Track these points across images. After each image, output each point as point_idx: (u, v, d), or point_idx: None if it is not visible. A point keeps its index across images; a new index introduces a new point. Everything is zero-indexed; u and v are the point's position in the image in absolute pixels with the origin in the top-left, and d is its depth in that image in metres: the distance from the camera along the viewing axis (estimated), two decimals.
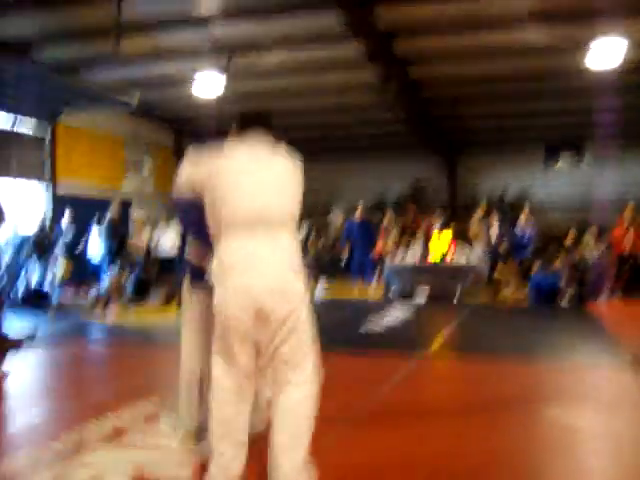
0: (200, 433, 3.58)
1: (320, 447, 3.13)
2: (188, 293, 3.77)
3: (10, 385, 5.40)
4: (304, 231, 13.87)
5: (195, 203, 3.20)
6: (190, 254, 3.73)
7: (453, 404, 4.99)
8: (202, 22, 10.85)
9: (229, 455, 3.00)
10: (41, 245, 12.16)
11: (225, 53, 12.09)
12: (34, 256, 12.21)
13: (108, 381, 5.59)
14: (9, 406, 5.02)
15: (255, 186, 3.04)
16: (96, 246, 12.38)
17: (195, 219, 3.33)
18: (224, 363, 3.06)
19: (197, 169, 3.20)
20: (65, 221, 12.44)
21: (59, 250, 12.13)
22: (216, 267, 3.04)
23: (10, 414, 4.80)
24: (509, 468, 3.42)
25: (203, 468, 3.21)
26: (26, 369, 6.41)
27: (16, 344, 6.73)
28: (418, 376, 5.91)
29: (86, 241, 12.50)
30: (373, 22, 10.67)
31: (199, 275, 3.52)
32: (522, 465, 3.46)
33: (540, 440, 3.92)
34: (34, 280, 12.10)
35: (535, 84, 13.58)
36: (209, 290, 3.17)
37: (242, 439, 3.06)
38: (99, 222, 12.40)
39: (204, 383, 3.52)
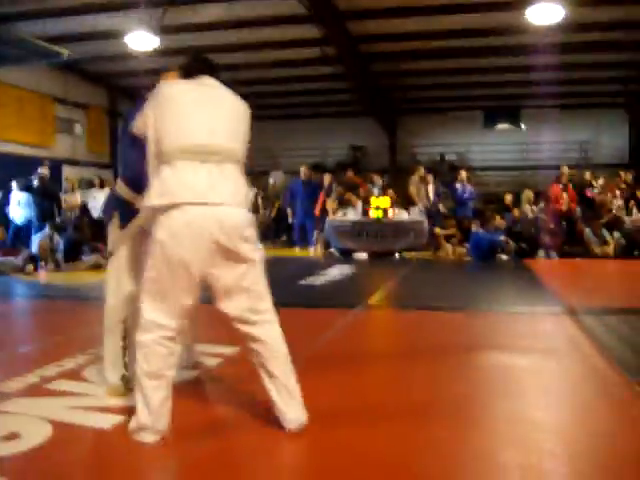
0: (125, 384, 3.41)
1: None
2: (116, 233, 3.53)
3: None
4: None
5: (136, 141, 3.06)
6: (121, 189, 3.49)
7: (394, 350, 4.91)
8: None
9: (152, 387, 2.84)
10: None
11: (160, 6, 11.64)
12: None
13: (33, 338, 5.33)
14: None
15: (203, 115, 2.86)
16: (22, 208, 12.02)
17: (134, 158, 3.19)
18: (160, 303, 2.83)
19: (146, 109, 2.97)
20: None
21: None
22: (158, 197, 2.77)
23: None
24: (453, 408, 3.34)
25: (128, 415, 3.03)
26: None
27: None
28: (358, 326, 5.82)
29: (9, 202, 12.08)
30: None
31: (130, 213, 3.35)
32: (465, 405, 3.39)
33: (482, 382, 3.90)
34: None
35: (475, 40, 13.53)
36: (141, 229, 3.09)
37: (170, 376, 2.90)
38: (27, 184, 12.00)
39: (132, 331, 3.29)
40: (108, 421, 3.10)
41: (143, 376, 2.83)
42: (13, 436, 2.89)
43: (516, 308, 6.46)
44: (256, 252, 2.94)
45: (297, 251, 13.74)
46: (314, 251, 13.43)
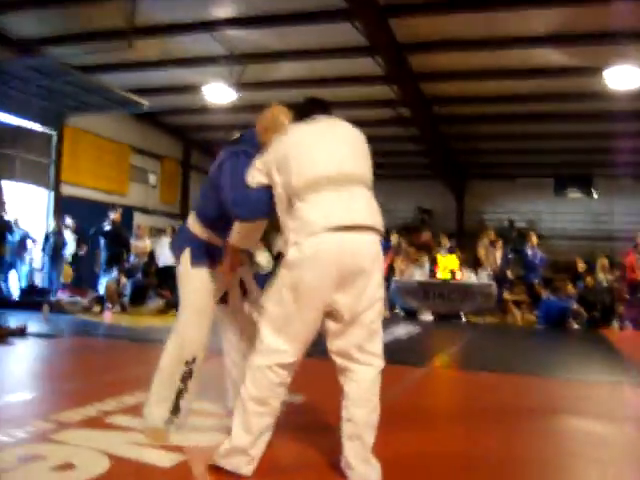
0: (168, 428, 3.30)
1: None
2: (187, 268, 3.42)
3: None
4: None
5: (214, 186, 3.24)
6: (195, 227, 3.45)
7: (463, 410, 4.65)
8: (215, 28, 10.72)
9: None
10: (53, 247, 12.19)
11: (238, 61, 11.94)
12: (44, 256, 12.18)
13: (96, 374, 5.29)
14: None
15: (328, 147, 2.87)
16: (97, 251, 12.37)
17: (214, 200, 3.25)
18: (284, 328, 2.74)
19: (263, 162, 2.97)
20: (68, 225, 12.38)
21: (62, 252, 12.10)
22: (301, 231, 2.69)
23: None
24: (527, 471, 3.10)
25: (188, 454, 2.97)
26: (14, 359, 6.24)
27: (5, 334, 6.58)
28: (425, 385, 5.63)
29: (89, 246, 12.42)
30: (390, 35, 10.46)
31: (202, 250, 3.37)
32: (540, 468, 3.15)
33: (558, 446, 3.62)
34: (37, 279, 12.07)
35: (549, 105, 13.32)
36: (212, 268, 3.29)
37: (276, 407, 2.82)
38: (100, 227, 12.31)
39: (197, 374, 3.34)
40: (167, 459, 2.98)
41: (248, 400, 2.74)
42: (68, 466, 2.80)
43: (593, 376, 6.13)
44: (382, 289, 2.86)
45: None
46: None
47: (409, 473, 2.99)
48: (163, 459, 2.97)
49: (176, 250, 3.52)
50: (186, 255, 3.41)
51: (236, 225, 3.05)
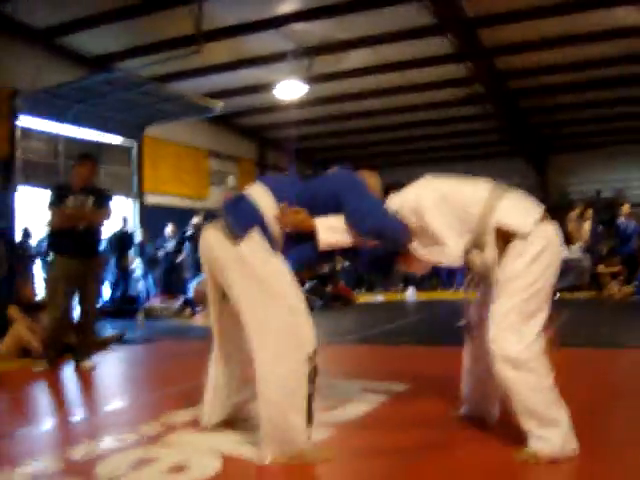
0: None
1: None
2: (264, 252, 2.97)
3: (98, 377, 5.28)
4: None
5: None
6: (265, 200, 3.05)
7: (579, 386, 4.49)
8: (281, 24, 10.70)
9: None
10: (151, 256, 12.72)
11: (306, 55, 11.89)
12: (140, 266, 12.57)
13: (195, 376, 5.34)
14: (97, 395, 4.94)
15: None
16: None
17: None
18: (542, 313, 2.89)
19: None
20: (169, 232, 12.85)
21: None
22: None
23: (97, 402, 4.63)
24: None
25: None
26: (115, 364, 6.43)
27: (106, 342, 6.78)
28: None
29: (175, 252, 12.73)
30: (459, 11, 10.18)
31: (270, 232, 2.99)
32: None
33: None
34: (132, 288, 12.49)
35: (631, 67, 12.62)
36: None
37: None
38: (184, 233, 12.58)
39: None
40: None
41: (558, 397, 2.79)
42: (181, 468, 2.81)
43: None
44: None
45: (448, 293, 13.32)
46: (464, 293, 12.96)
47: None
48: None
49: (240, 228, 2.97)
50: (254, 236, 2.96)
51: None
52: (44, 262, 10.46)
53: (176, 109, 11.77)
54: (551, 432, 2.72)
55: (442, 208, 2.99)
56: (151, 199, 14.07)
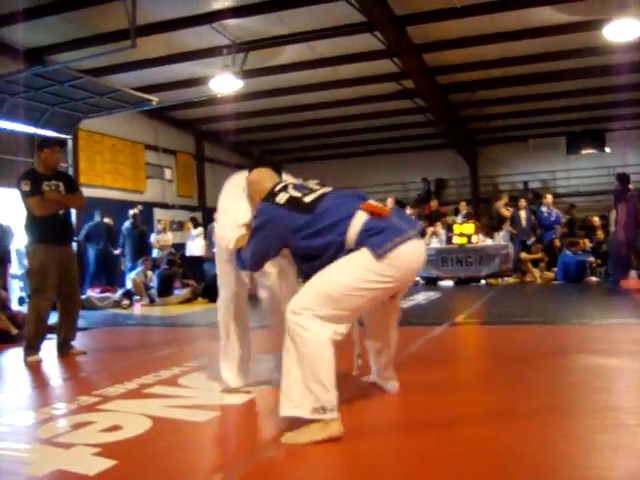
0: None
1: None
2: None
3: (44, 365, 5.43)
4: None
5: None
6: None
7: (482, 354, 4.95)
8: (216, 18, 10.92)
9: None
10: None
11: (240, 50, 12.13)
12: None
13: (133, 355, 5.62)
14: (45, 376, 5.16)
15: None
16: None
17: None
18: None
19: None
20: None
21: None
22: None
23: (43, 383, 4.88)
24: (543, 402, 3.34)
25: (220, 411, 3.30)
26: (51, 352, 6.53)
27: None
28: (446, 339, 5.88)
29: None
30: (387, 9, 10.61)
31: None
32: (555, 399, 3.39)
33: (574, 379, 3.86)
34: None
35: (553, 64, 13.32)
36: None
37: None
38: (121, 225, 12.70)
39: None
40: (203, 416, 3.28)
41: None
42: (116, 428, 3.10)
43: (611, 320, 6.31)
44: None
45: None
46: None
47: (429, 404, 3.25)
48: (197, 416, 3.28)
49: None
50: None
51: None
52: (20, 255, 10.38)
53: (111, 103, 11.82)
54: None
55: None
56: (88, 192, 14.05)
